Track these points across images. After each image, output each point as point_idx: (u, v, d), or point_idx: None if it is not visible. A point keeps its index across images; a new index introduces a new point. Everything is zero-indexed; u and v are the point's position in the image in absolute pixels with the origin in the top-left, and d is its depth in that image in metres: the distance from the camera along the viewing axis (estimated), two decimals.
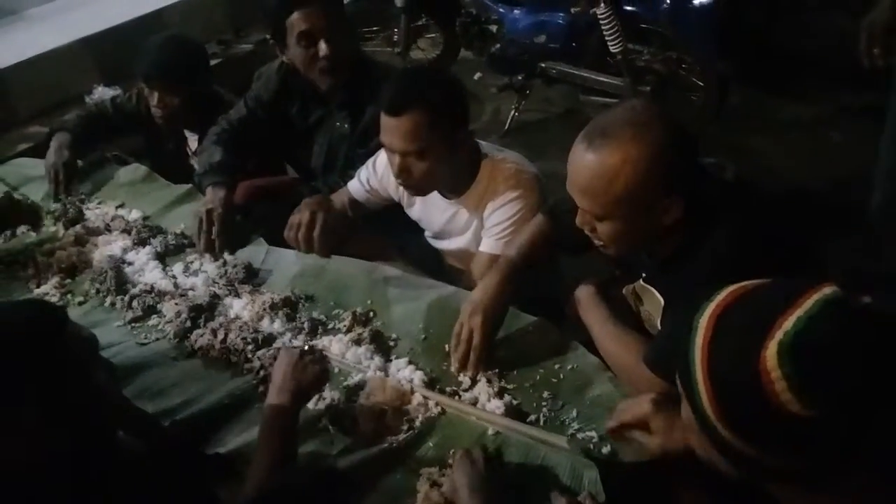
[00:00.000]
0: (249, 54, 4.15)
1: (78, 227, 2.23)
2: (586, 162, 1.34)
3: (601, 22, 3.52)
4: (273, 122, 2.39)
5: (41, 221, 2.30)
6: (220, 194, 2.16)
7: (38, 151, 2.68)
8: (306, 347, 1.52)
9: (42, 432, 1.11)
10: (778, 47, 4.16)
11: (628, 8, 3.50)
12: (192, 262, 2.06)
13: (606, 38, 3.54)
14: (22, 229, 2.25)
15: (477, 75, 4.35)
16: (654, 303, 1.52)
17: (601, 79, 3.73)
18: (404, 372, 1.61)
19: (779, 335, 0.85)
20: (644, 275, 1.56)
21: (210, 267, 2.02)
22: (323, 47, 2.16)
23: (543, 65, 3.86)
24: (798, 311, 0.86)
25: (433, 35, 4.65)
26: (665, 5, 3.38)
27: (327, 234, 1.99)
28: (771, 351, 0.85)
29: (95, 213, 2.29)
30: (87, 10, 4.36)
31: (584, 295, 1.66)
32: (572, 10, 3.69)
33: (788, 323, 0.86)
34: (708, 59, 3.50)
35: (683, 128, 1.36)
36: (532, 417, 1.49)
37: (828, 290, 0.88)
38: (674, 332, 1.12)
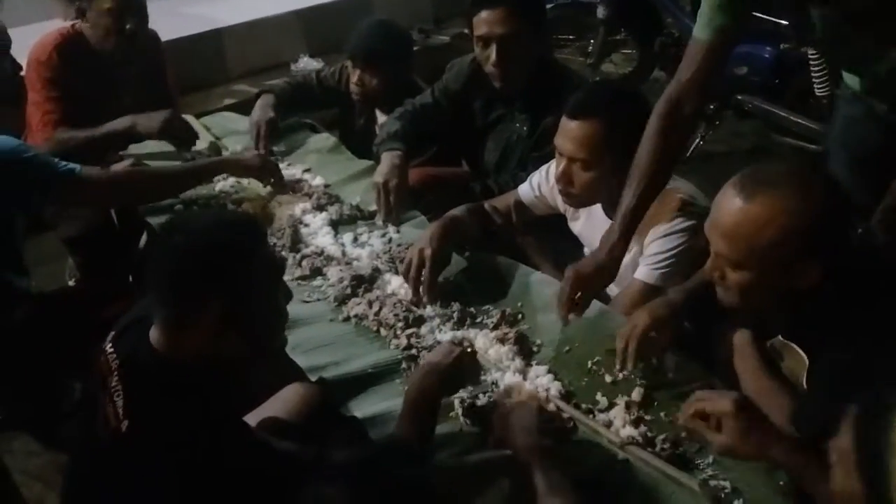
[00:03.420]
0: (446, 46, 4.30)
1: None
2: (736, 206, 1.33)
3: (811, 62, 3.33)
4: (455, 113, 2.45)
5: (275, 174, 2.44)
6: (395, 162, 2.21)
7: (242, 108, 2.91)
8: (465, 345, 1.58)
9: (223, 331, 1.24)
10: None
11: None
12: (360, 234, 2.17)
13: (814, 80, 3.34)
14: (219, 177, 2.45)
15: None
16: (796, 360, 1.45)
17: (799, 121, 3.53)
18: (542, 380, 1.61)
19: None
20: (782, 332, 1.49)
21: (377, 241, 2.12)
22: (492, 54, 2.20)
23: (740, 97, 3.70)
24: None
25: (629, 51, 4.58)
26: None
27: (432, 279, 1.87)
28: None
29: (284, 173, 2.45)
30: None
31: (740, 342, 1.60)
32: (782, 45, 3.51)
33: None
34: None
35: (844, 197, 1.34)
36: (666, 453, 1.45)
37: None
38: (823, 399, 1.14)
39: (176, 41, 3.66)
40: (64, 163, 1.98)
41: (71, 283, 2.83)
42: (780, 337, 1.50)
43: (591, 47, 4.38)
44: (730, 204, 1.34)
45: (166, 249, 1.27)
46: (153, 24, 2.76)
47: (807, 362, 1.41)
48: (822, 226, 1.29)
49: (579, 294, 1.68)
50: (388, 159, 2.23)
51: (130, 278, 2.56)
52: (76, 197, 2.07)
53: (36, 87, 2.56)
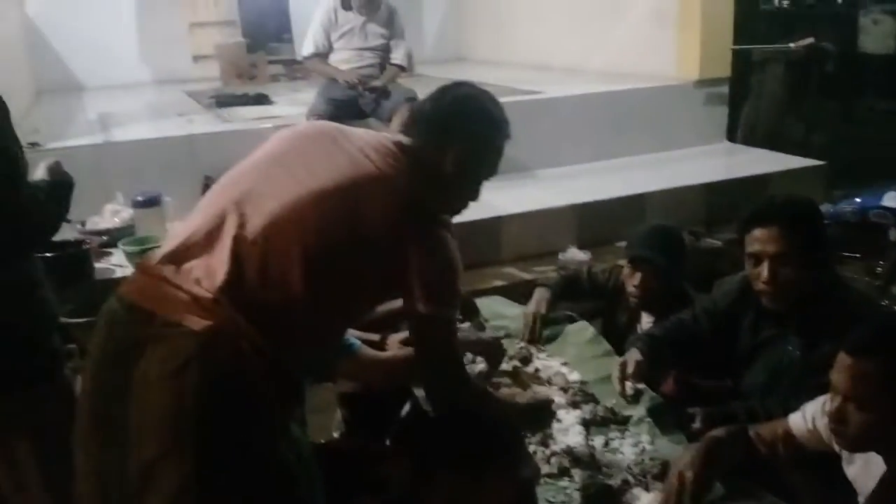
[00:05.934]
0: (715, 251, 4.26)
1: (526, 370, 2.49)
2: None
3: None
4: (719, 331, 2.41)
5: (498, 358, 2.59)
6: (633, 357, 2.27)
7: (509, 291, 3.08)
8: None
9: None
10: None
11: None
12: (612, 440, 2.14)
13: None
14: (479, 359, 2.57)
15: None
16: None
17: None
18: None
19: None
20: None
21: (628, 450, 2.08)
22: (763, 271, 2.15)
23: None
24: None
25: None
26: None
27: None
28: None
29: (542, 363, 2.54)
30: (582, 181, 5.00)
31: None
32: None
33: None
34: None
35: None
36: None
37: None
38: None
39: (458, 224, 4.02)
40: (348, 339, 2.21)
41: (335, 434, 3.07)
42: None
43: (879, 268, 4.10)
44: None
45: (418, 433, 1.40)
46: None
47: None
48: None
49: None
50: (626, 356, 2.33)
51: (388, 442, 2.72)
52: (348, 372, 2.34)
53: None
